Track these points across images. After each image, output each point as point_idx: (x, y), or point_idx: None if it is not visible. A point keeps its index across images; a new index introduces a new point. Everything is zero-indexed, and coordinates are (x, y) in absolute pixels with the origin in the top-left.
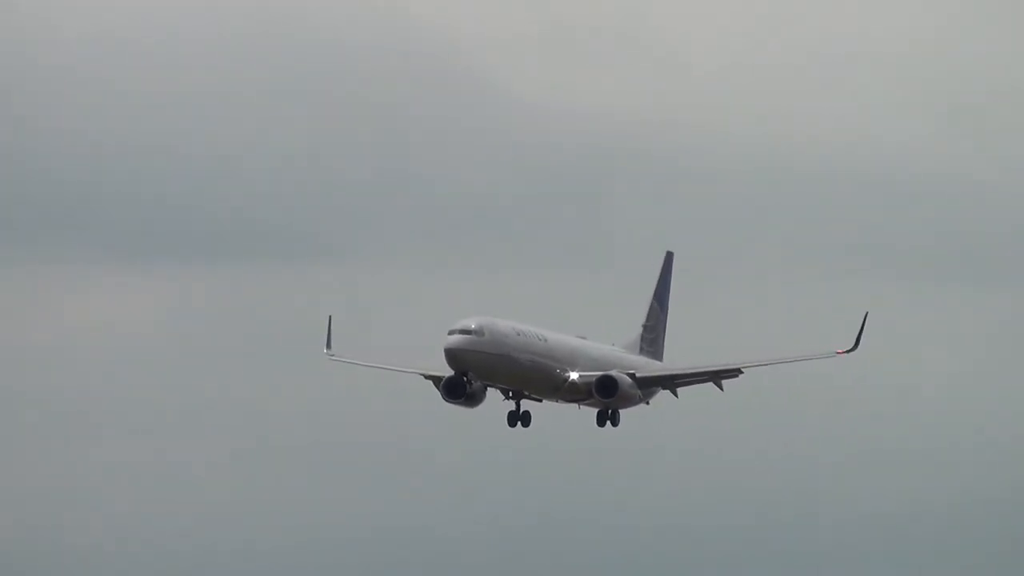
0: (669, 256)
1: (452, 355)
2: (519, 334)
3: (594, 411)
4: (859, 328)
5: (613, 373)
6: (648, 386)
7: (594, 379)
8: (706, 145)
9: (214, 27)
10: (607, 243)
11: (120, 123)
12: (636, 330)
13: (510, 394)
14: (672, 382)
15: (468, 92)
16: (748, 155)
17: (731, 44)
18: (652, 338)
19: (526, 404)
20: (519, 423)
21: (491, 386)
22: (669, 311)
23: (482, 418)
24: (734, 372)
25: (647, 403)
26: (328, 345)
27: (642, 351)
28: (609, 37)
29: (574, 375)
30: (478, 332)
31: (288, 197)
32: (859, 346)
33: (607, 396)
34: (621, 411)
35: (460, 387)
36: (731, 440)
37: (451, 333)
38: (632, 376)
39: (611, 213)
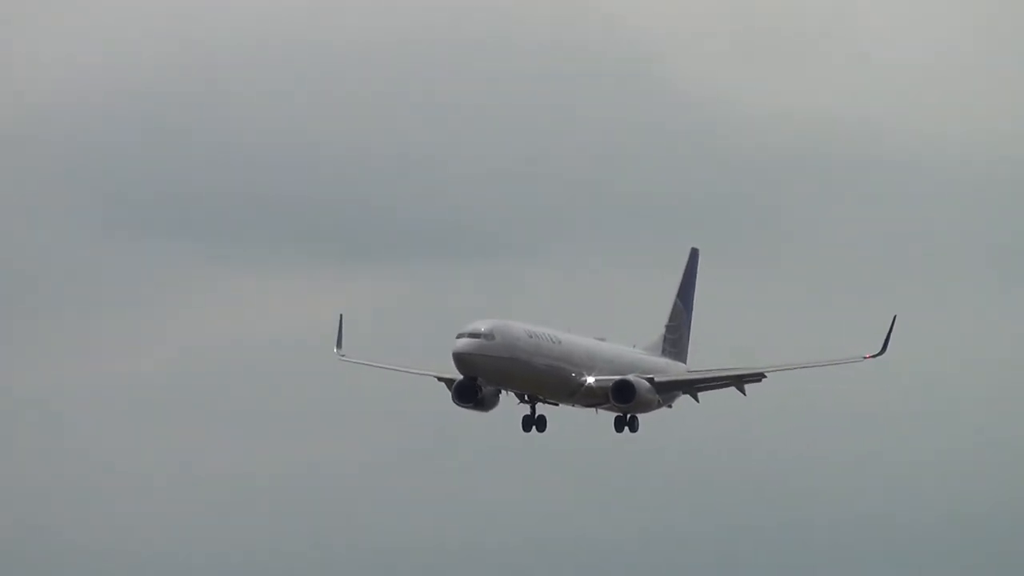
0: (694, 253)
1: (460, 359)
2: (531, 336)
3: (612, 415)
4: (887, 331)
5: (631, 377)
6: (668, 391)
7: (611, 383)
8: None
9: (418, 31)
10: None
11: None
12: (658, 330)
13: (525, 398)
14: (692, 386)
15: (662, 94)
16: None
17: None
18: (675, 339)
19: (542, 408)
20: (534, 428)
21: (504, 390)
22: (694, 310)
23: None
24: (757, 376)
25: (669, 407)
26: (338, 344)
27: (664, 352)
28: (804, 37)
29: (590, 379)
30: (487, 335)
31: (492, 201)
32: (887, 350)
33: (624, 401)
34: (640, 416)
35: (471, 391)
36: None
37: (459, 337)
38: (651, 380)
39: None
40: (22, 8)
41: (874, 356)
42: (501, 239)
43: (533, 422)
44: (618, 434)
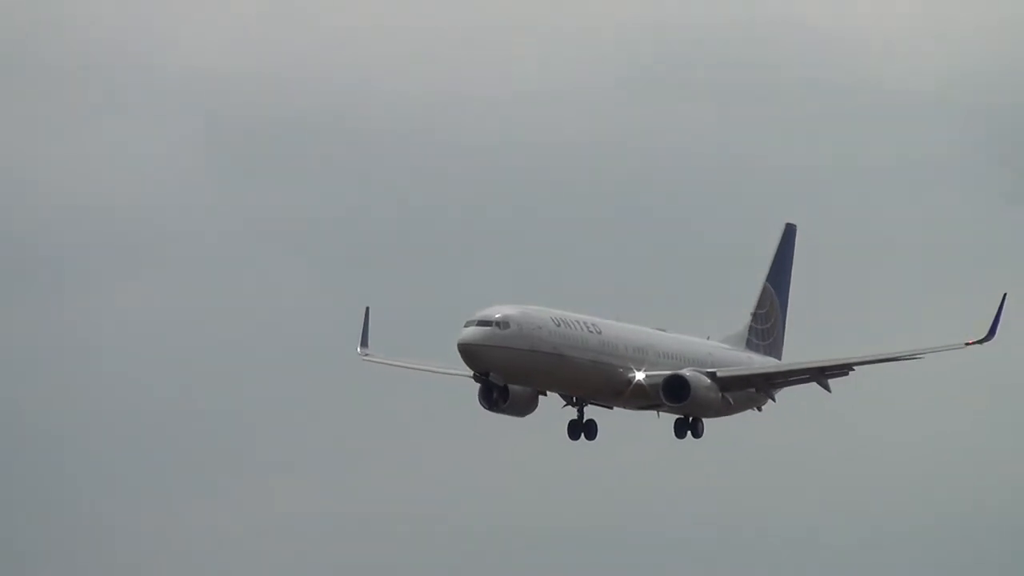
0: (790, 229)
1: (466, 351)
2: (560, 324)
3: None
4: (996, 313)
5: (685, 372)
6: (734, 388)
7: (661, 380)
8: None
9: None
10: None
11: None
12: (743, 320)
13: (574, 400)
14: (765, 382)
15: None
16: None
17: None
18: (765, 329)
19: (593, 412)
20: (582, 435)
21: (535, 390)
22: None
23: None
24: (842, 370)
25: (758, 409)
26: (363, 343)
27: (750, 345)
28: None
29: (640, 375)
30: (501, 323)
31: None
32: (995, 335)
33: (677, 400)
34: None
35: (498, 392)
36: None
37: (467, 325)
38: (712, 376)
39: None
40: None
41: (979, 342)
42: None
43: (581, 428)
44: (679, 440)
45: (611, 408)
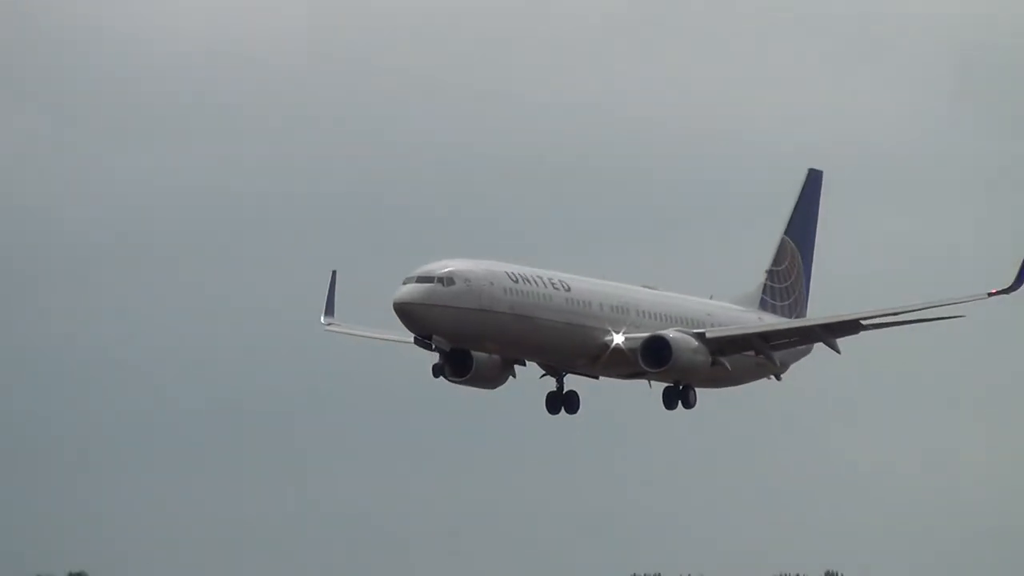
0: (814, 176)
1: (402, 311)
2: (518, 280)
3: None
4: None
5: (668, 332)
6: (730, 351)
7: (639, 342)
8: None
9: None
10: None
11: None
12: (757, 278)
13: (553, 369)
14: (764, 344)
15: None
16: None
17: None
18: (783, 288)
19: (575, 383)
20: (562, 408)
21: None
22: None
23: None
24: (852, 327)
25: (777, 378)
26: (328, 311)
27: (765, 306)
28: None
29: (618, 338)
30: (445, 279)
31: None
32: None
33: (658, 364)
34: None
35: (459, 359)
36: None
37: (406, 282)
38: (700, 337)
39: None
40: None
41: (1003, 292)
42: None
43: (561, 401)
44: (669, 411)
45: (596, 378)
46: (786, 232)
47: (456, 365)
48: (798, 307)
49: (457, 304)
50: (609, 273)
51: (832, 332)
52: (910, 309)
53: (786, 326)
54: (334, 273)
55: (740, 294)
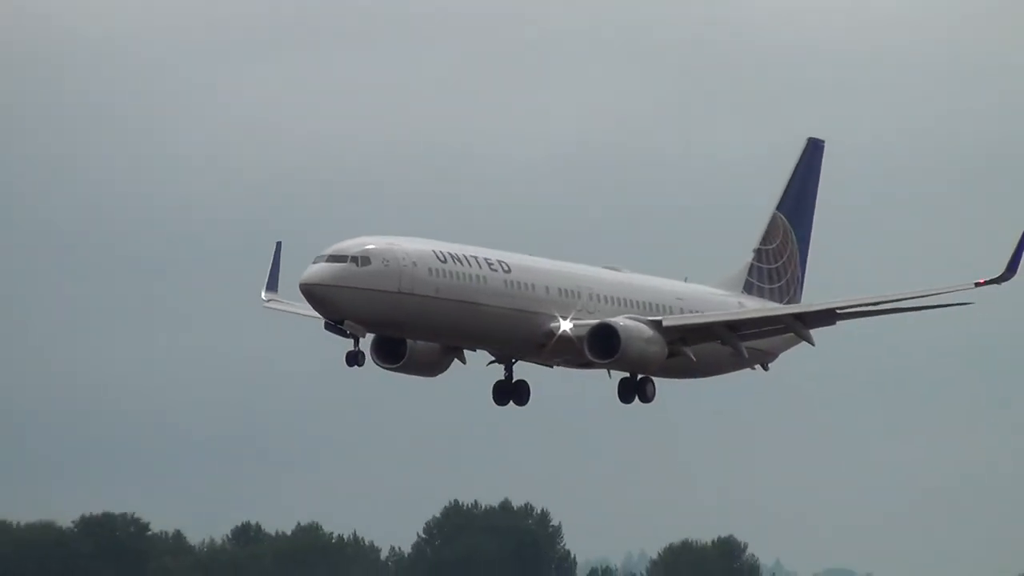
0: (814, 146)
1: (310, 293)
2: (447, 260)
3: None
4: (1016, 248)
5: (619, 320)
6: (694, 340)
7: (586, 330)
8: None
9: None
10: None
11: None
12: (744, 258)
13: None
14: (730, 333)
15: None
16: None
17: None
18: (774, 269)
19: (526, 371)
20: (510, 400)
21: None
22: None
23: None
24: (826, 317)
25: (761, 368)
26: (270, 286)
27: (751, 289)
28: None
29: (566, 324)
30: (360, 258)
31: None
32: (1015, 273)
33: (605, 355)
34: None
35: (391, 346)
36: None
37: (316, 261)
38: (658, 325)
39: None
40: None
41: (993, 281)
42: None
43: (510, 391)
44: (626, 405)
45: (551, 366)
46: (778, 208)
47: (387, 350)
48: (791, 290)
49: (373, 286)
50: (596, 255)
51: (805, 322)
52: (888, 300)
53: (752, 315)
54: (279, 244)
55: (724, 276)
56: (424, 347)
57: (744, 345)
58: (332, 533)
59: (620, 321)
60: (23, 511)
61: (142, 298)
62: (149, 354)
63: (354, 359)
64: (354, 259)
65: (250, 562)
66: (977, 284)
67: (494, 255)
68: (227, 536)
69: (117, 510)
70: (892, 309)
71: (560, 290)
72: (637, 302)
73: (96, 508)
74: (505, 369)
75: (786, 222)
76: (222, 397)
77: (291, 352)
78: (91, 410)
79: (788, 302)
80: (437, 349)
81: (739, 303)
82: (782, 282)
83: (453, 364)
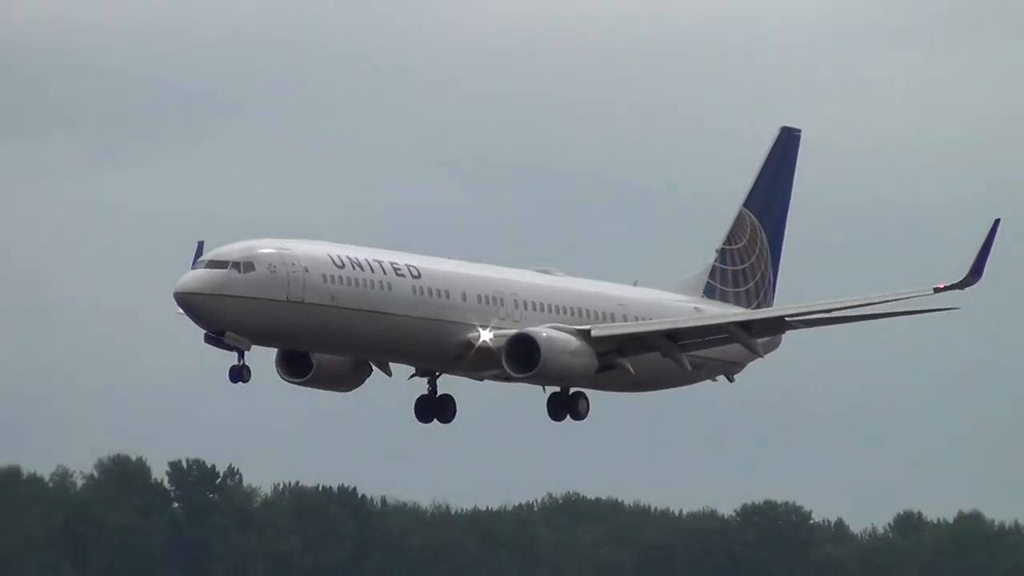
0: (789, 135)
1: (185, 302)
2: (345, 265)
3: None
4: (981, 247)
5: (540, 330)
6: (632, 351)
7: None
8: None
9: None
10: None
11: None
12: (705, 259)
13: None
14: (669, 343)
15: None
16: None
17: None
18: (740, 271)
19: (451, 385)
20: (434, 417)
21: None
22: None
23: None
24: (774, 326)
25: (728, 379)
26: None
27: (712, 292)
28: None
29: (486, 334)
30: (243, 264)
31: None
32: (980, 277)
33: (524, 369)
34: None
35: (297, 358)
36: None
37: (194, 266)
38: (586, 335)
39: None
40: None
41: (953, 287)
42: None
43: (433, 407)
44: (556, 423)
45: (481, 379)
46: (745, 204)
47: (293, 363)
48: (760, 294)
49: (257, 295)
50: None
51: (751, 331)
52: (841, 307)
53: (691, 324)
54: (200, 244)
55: (681, 279)
56: (332, 360)
57: (695, 355)
58: (993, 521)
59: (542, 331)
60: (686, 501)
61: None
62: None
63: (238, 375)
64: (236, 265)
65: (911, 552)
66: (936, 289)
67: (403, 259)
68: (888, 525)
69: (779, 499)
70: (853, 317)
71: (479, 296)
72: (570, 308)
73: (758, 497)
74: (428, 383)
75: (755, 220)
76: None
77: None
78: None
79: (758, 307)
80: (348, 362)
81: (695, 308)
82: (750, 285)
83: (374, 376)
